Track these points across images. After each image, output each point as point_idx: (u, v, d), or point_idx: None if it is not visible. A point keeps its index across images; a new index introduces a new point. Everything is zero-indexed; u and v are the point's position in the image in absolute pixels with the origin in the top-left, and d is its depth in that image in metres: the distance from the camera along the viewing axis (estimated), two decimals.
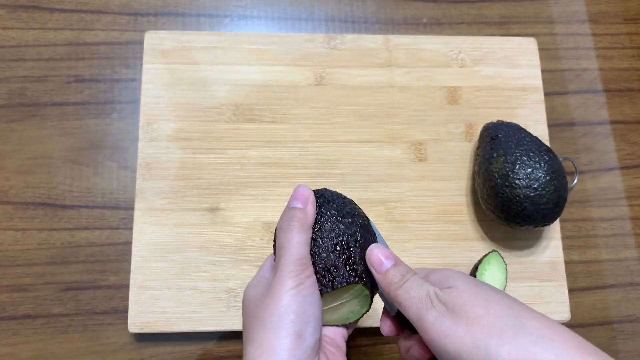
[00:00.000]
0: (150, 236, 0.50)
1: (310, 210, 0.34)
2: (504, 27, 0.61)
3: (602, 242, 0.56)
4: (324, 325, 0.35)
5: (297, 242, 0.32)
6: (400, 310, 0.32)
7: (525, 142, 0.48)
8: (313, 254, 0.33)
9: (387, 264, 0.33)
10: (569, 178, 0.54)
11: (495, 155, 0.49)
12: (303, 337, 0.30)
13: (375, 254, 0.33)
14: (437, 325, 0.29)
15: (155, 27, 0.58)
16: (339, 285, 0.33)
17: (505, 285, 0.50)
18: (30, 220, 0.52)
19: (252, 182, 0.52)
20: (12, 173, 0.53)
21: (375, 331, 0.52)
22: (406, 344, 0.34)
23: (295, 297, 0.31)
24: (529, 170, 0.46)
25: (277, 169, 0.53)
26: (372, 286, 0.34)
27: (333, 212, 0.34)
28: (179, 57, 0.55)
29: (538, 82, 0.57)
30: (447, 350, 0.28)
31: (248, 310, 0.33)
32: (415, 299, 0.30)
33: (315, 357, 0.31)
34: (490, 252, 0.51)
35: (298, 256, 0.32)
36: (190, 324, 0.48)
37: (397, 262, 0.33)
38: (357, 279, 0.33)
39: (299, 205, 0.34)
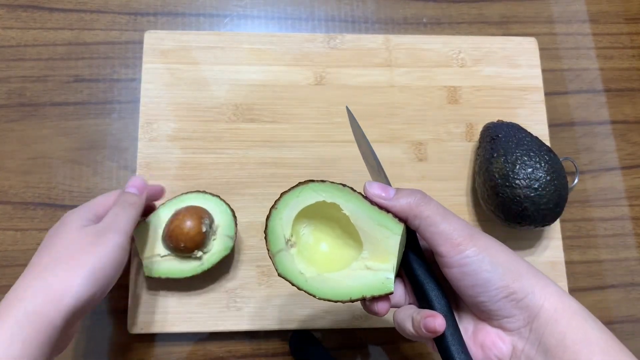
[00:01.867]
0: None
1: (143, 198, 0.42)
2: (504, 26, 0.61)
3: (603, 242, 0.56)
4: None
5: (133, 218, 0.40)
6: (425, 229, 0.32)
7: (525, 142, 0.48)
8: None
9: (391, 190, 0.34)
10: (569, 178, 0.53)
11: (495, 155, 0.49)
12: (96, 297, 0.35)
13: (374, 185, 0.34)
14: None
15: (155, 26, 0.58)
16: None
17: None
18: (29, 220, 0.52)
19: (252, 182, 0.52)
20: (11, 173, 0.53)
21: (384, 330, 0.52)
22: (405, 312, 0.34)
23: (117, 257, 0.36)
24: (530, 170, 0.46)
25: (277, 169, 0.53)
26: None
27: None
28: (179, 57, 0.55)
29: (538, 82, 0.57)
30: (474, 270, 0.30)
31: (64, 241, 0.36)
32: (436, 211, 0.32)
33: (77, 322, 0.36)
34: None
35: (130, 230, 0.39)
36: (190, 324, 0.48)
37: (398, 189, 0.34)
38: None
39: (136, 192, 0.42)
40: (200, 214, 0.46)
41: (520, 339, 0.30)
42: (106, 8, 0.58)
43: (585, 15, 0.62)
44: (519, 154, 0.47)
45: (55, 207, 0.52)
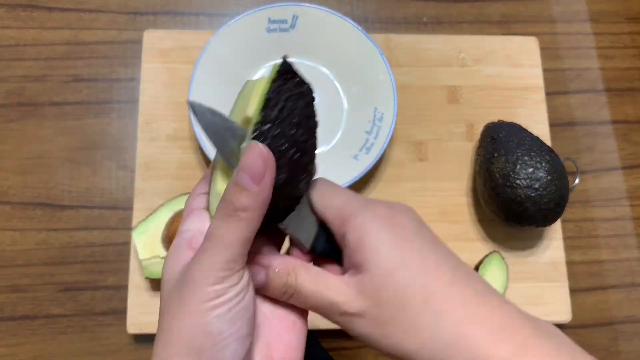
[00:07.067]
0: None
1: (267, 190, 0.23)
2: (505, 26, 0.61)
3: (604, 242, 0.55)
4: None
5: (237, 239, 0.23)
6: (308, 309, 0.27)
7: (526, 142, 0.48)
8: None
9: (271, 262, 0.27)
10: (570, 178, 0.53)
11: (496, 155, 0.48)
12: None
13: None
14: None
15: (155, 26, 0.58)
16: None
17: (507, 287, 0.49)
18: (28, 220, 0.52)
19: None
20: (10, 173, 0.53)
21: None
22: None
23: (212, 313, 0.23)
24: (530, 170, 0.46)
25: None
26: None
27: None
28: (178, 57, 0.54)
29: (539, 81, 0.57)
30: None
31: (163, 298, 0.25)
32: (321, 299, 0.26)
33: None
34: (491, 253, 0.50)
35: (232, 257, 0.23)
36: None
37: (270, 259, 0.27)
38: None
39: (249, 183, 0.23)
40: None
41: None
42: (105, 7, 0.58)
43: (586, 14, 0.62)
44: (519, 154, 0.47)
45: (54, 207, 0.52)
